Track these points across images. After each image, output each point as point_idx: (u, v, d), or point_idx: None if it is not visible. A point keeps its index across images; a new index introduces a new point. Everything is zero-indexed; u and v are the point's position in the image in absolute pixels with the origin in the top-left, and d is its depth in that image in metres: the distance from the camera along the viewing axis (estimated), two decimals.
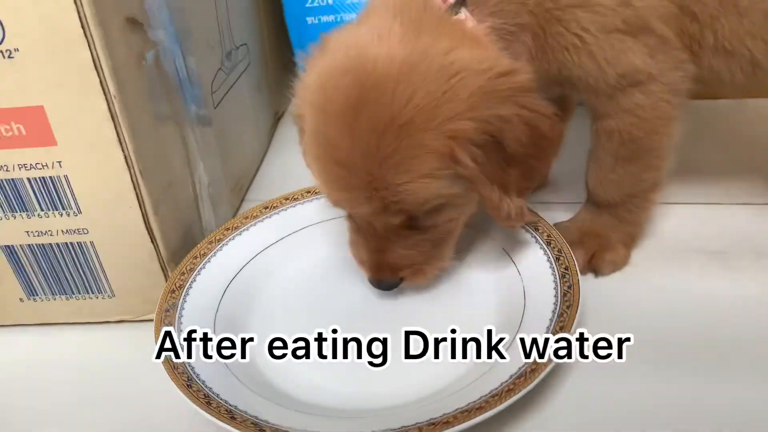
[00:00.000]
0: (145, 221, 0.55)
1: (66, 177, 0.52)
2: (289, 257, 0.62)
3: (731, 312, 0.55)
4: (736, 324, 0.54)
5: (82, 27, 0.46)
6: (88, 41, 0.47)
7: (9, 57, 0.47)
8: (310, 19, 0.83)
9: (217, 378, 0.48)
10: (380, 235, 0.52)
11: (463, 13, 0.51)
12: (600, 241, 0.60)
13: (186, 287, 0.57)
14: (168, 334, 0.52)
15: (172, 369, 0.48)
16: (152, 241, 0.56)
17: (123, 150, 0.52)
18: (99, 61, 0.48)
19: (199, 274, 0.58)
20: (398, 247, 0.53)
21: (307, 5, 0.83)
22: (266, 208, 0.65)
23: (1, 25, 0.46)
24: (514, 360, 0.47)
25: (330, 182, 0.50)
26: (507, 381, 0.45)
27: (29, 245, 0.56)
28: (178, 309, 0.55)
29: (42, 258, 0.57)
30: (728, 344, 0.52)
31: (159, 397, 0.52)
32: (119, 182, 0.53)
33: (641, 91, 0.52)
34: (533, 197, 0.71)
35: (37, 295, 0.59)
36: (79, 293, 0.59)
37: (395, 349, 0.53)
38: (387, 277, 0.55)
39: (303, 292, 0.60)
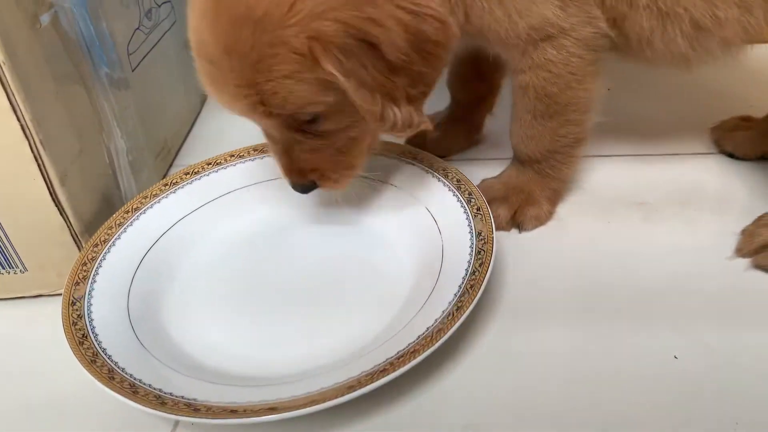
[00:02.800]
0: (51, 193, 0.53)
1: None
2: (211, 225, 0.61)
3: (650, 263, 0.55)
4: (655, 275, 0.54)
5: None
6: None
7: None
8: None
9: (126, 352, 0.47)
10: (283, 140, 0.51)
11: None
12: (524, 196, 0.59)
13: (99, 259, 0.55)
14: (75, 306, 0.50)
15: (77, 344, 0.47)
16: (61, 213, 0.54)
17: (19, 119, 0.49)
18: None
19: (113, 245, 0.57)
20: (299, 152, 0.51)
21: None
22: (187, 173, 0.63)
23: None
24: (427, 317, 0.46)
25: (203, 80, 0.48)
26: (432, 326, 0.45)
27: None
28: (89, 282, 0.53)
29: None
30: (645, 294, 0.53)
31: (73, 372, 0.52)
32: (18, 153, 0.51)
33: (552, 45, 0.51)
34: (468, 153, 0.71)
35: None
36: None
37: (315, 313, 0.53)
38: (297, 180, 0.53)
39: (224, 260, 0.59)
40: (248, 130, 0.66)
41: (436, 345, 0.43)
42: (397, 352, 0.44)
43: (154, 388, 0.43)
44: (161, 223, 0.60)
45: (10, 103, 0.49)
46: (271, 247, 0.59)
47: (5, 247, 0.56)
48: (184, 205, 0.61)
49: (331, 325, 0.51)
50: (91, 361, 0.45)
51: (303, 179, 0.53)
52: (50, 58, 0.53)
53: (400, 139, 0.61)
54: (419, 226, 0.57)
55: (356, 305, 0.53)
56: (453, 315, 0.45)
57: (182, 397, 0.43)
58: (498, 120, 0.70)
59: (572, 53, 0.51)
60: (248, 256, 0.59)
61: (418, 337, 0.44)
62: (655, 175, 0.64)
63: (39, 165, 0.52)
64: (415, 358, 0.42)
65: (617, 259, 0.56)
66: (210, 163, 0.65)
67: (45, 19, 0.52)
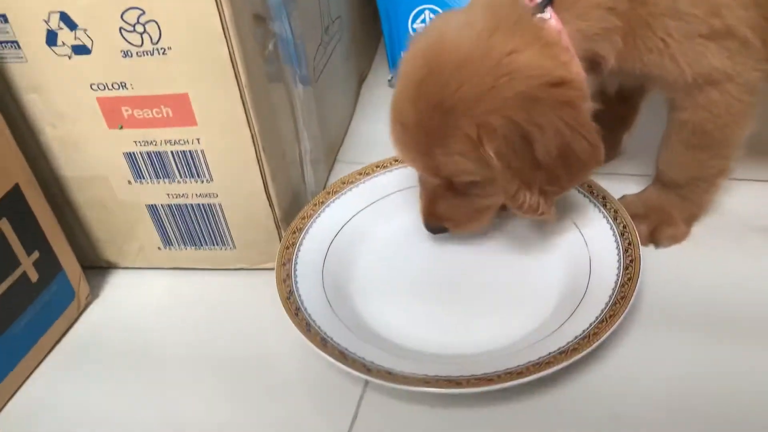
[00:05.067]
0: (265, 188, 0.65)
1: (202, 151, 0.62)
2: (381, 219, 0.71)
3: None
4: None
5: (222, 26, 0.55)
6: (226, 38, 0.55)
7: (163, 54, 0.56)
8: None
9: (329, 324, 0.59)
10: (433, 189, 0.62)
11: (548, 13, 0.56)
12: (663, 216, 0.66)
13: (297, 244, 0.67)
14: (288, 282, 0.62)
15: (294, 314, 0.59)
16: (270, 205, 0.66)
17: (250, 130, 0.61)
18: (234, 55, 0.57)
19: (306, 233, 0.68)
20: (444, 204, 0.63)
21: None
22: (360, 174, 0.74)
23: (159, 27, 0.55)
24: (579, 323, 0.55)
25: (394, 139, 0.59)
26: (587, 329, 0.54)
27: (168, 205, 0.67)
28: (293, 263, 0.65)
29: (178, 216, 0.68)
30: None
31: (271, 333, 0.64)
32: (246, 156, 0.62)
33: (717, 89, 0.56)
34: (605, 168, 0.77)
35: (172, 245, 0.71)
36: (206, 245, 0.70)
37: (476, 305, 0.63)
38: (432, 222, 0.65)
39: (393, 250, 0.69)
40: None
41: (595, 345, 0.52)
42: (558, 348, 0.53)
43: (359, 357, 0.55)
44: (341, 217, 0.71)
45: (246, 117, 0.60)
46: (434, 245, 0.69)
47: (222, 228, 0.68)
48: (359, 202, 0.72)
49: (489, 319, 0.61)
50: (307, 329, 0.57)
51: (437, 223, 0.65)
52: (271, 79, 0.64)
53: None
54: (567, 240, 0.65)
55: (507, 306, 0.62)
56: (606, 321, 0.54)
57: (383, 365, 0.54)
58: (635, 136, 0.77)
59: (735, 97, 0.56)
60: (415, 251, 0.69)
61: (576, 337, 0.53)
62: None
63: (260, 166, 0.63)
64: (576, 354, 0.51)
65: (754, 283, 0.61)
66: (378, 166, 0.75)
67: (270, 46, 0.63)
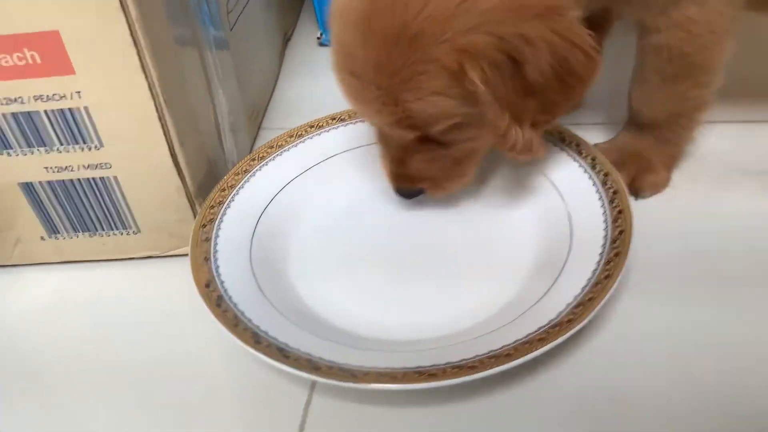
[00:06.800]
0: (171, 153, 0.52)
1: (86, 108, 0.49)
2: (319, 188, 0.60)
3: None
4: None
5: None
6: None
7: None
8: None
9: (262, 314, 0.47)
10: (400, 146, 0.52)
11: None
12: (642, 162, 0.58)
13: (217, 221, 0.54)
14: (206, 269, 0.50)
15: (216, 305, 0.47)
16: (179, 174, 0.54)
17: (147, 77, 0.48)
18: None
19: (228, 207, 0.56)
20: (417, 161, 0.52)
21: None
22: (291, 136, 0.62)
23: None
24: (568, 288, 0.46)
25: (346, 92, 0.49)
26: (565, 310, 0.44)
27: (48, 182, 0.53)
28: (212, 244, 0.52)
29: (63, 195, 0.54)
30: None
31: (190, 333, 0.52)
32: (143, 112, 0.50)
33: (695, 2, 0.49)
34: (567, 119, 0.69)
35: (59, 233, 0.57)
36: (103, 230, 0.57)
37: (441, 278, 0.52)
38: (406, 187, 0.54)
39: (335, 222, 0.58)
40: (324, 97, 0.66)
41: (593, 313, 0.43)
42: (549, 322, 0.43)
43: (303, 353, 0.43)
44: (271, 185, 0.59)
45: (140, 60, 0.47)
46: (386, 211, 0.58)
47: (121, 207, 0.55)
48: (291, 168, 0.60)
49: (454, 293, 0.51)
50: (233, 324, 0.45)
51: (412, 186, 0.54)
52: (172, 20, 0.51)
53: None
54: (539, 196, 0.56)
55: (477, 275, 0.52)
56: (601, 282, 0.45)
57: (334, 361, 0.42)
58: (599, 83, 0.69)
59: (715, 9, 0.49)
60: (363, 220, 0.58)
61: (568, 305, 0.44)
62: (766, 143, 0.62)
63: (162, 124, 0.51)
64: (572, 327, 0.42)
65: (740, 228, 0.55)
66: (313, 126, 0.63)
67: None
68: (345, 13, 0.46)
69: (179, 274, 0.53)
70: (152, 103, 0.49)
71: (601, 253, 0.47)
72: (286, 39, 0.88)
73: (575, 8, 0.45)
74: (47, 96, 0.48)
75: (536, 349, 0.41)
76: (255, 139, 0.72)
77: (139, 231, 0.57)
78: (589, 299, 0.44)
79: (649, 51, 0.53)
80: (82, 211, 0.55)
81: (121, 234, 0.57)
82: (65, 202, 0.55)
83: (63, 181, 0.53)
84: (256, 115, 0.74)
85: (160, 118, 0.50)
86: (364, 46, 0.45)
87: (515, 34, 0.42)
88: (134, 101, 0.49)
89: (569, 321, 0.42)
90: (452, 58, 0.43)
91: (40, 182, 0.53)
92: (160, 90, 0.49)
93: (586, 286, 0.45)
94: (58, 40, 0.46)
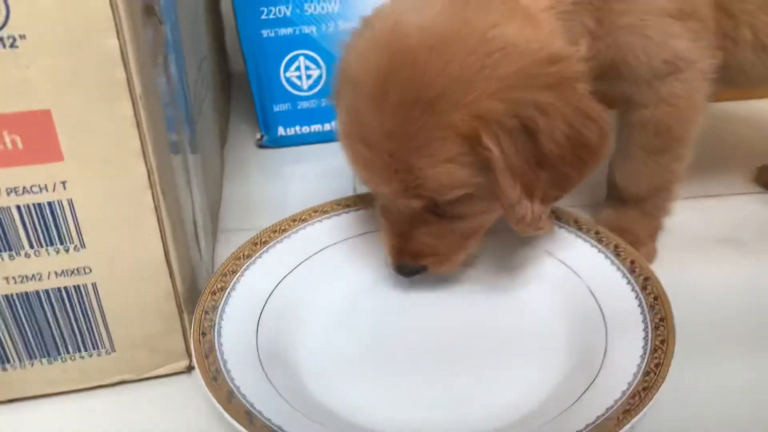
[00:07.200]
0: (165, 251, 0.45)
1: (70, 201, 0.42)
2: (319, 279, 0.55)
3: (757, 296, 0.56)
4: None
5: (111, 8, 0.38)
6: (116, 24, 0.38)
7: (11, 46, 0.37)
8: (265, 32, 0.77)
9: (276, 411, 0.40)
10: (405, 219, 0.50)
11: None
12: (630, 237, 0.59)
13: (215, 327, 0.47)
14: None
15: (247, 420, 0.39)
16: (170, 276, 0.47)
17: (146, 164, 0.42)
18: (126, 53, 0.39)
19: (224, 311, 0.49)
20: (422, 234, 0.50)
21: (263, 17, 0.76)
22: (275, 231, 0.57)
23: (6, 4, 0.36)
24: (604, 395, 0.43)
25: (354, 160, 0.47)
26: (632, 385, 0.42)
27: (6, 296, 0.44)
28: (218, 352, 0.45)
29: (22, 312, 0.45)
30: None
31: None
32: (138, 203, 0.43)
33: (679, 78, 0.52)
34: None
35: (9, 362, 0.46)
36: (68, 352, 0.47)
37: (455, 376, 0.48)
38: (408, 263, 0.52)
39: (339, 315, 0.53)
40: (273, 197, 0.71)
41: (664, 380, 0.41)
42: (623, 394, 0.41)
43: None
44: (263, 284, 0.53)
45: (141, 145, 0.42)
46: (394, 302, 0.54)
47: (95, 321, 0.46)
48: (282, 265, 0.55)
49: (476, 390, 0.47)
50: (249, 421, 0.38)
51: (415, 263, 0.52)
52: (164, 99, 0.47)
53: None
54: (545, 271, 0.55)
55: (502, 362, 0.49)
56: (660, 351, 0.43)
57: None
58: None
59: (695, 87, 0.53)
60: (370, 314, 0.54)
61: (616, 401, 0.41)
62: (729, 213, 0.67)
63: (158, 217, 0.44)
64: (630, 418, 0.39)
65: (726, 293, 0.57)
66: (296, 220, 0.59)
67: (159, 57, 0.46)
68: (359, 77, 0.45)
69: (161, 402, 0.46)
70: (149, 193, 0.43)
71: (644, 321, 0.46)
72: (223, 140, 0.84)
73: (585, 81, 0.47)
74: (24, 188, 0.41)
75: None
76: (216, 238, 0.66)
77: (113, 350, 0.48)
78: (656, 365, 0.42)
79: (635, 126, 0.56)
80: (45, 330, 0.46)
81: (90, 356, 0.48)
82: (23, 322, 0.45)
83: (26, 293, 0.44)
84: (215, 217, 0.68)
85: (156, 209, 0.44)
86: (377, 112, 0.44)
87: (531, 103, 0.43)
88: (129, 190, 0.43)
89: (626, 411, 0.40)
90: (468, 124, 0.42)
91: None
92: (158, 178, 0.43)
93: (644, 354, 0.43)
94: (48, 121, 0.39)
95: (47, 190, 0.41)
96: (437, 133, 0.43)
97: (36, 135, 0.39)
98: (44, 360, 0.47)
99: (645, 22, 0.49)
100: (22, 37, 0.37)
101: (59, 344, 0.47)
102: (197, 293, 0.51)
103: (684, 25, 0.51)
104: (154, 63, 0.44)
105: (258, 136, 0.82)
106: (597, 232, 0.56)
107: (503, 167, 0.43)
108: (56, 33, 0.37)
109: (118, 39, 0.38)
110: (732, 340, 0.52)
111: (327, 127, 0.81)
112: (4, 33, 0.36)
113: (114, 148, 0.41)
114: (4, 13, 0.36)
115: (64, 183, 0.41)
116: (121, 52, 0.39)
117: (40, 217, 0.42)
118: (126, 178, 0.42)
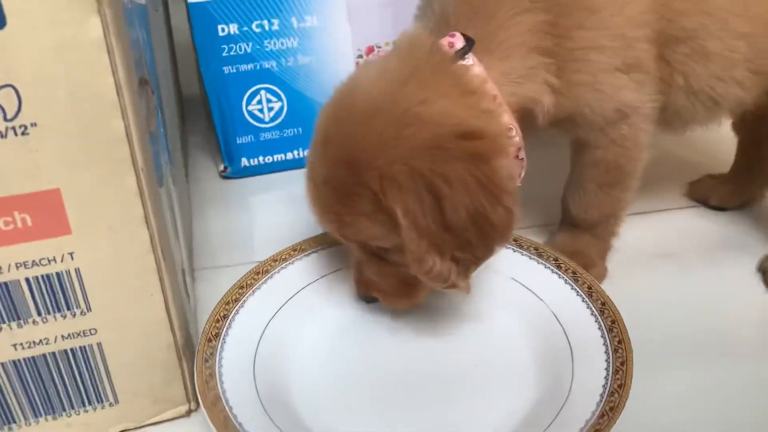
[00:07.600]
0: (166, 307, 0.48)
1: (77, 270, 0.44)
2: (308, 316, 0.59)
3: (713, 305, 0.63)
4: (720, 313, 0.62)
5: (117, 93, 0.40)
6: (121, 107, 0.40)
7: (23, 134, 0.39)
8: (227, 69, 0.79)
9: None
10: (358, 255, 0.56)
11: (470, 59, 0.53)
12: (583, 259, 0.65)
13: (216, 372, 0.50)
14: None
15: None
16: (171, 329, 0.49)
17: (149, 229, 0.45)
18: (130, 131, 0.41)
19: (222, 357, 0.52)
20: (368, 271, 0.56)
21: (224, 54, 0.78)
22: (258, 273, 0.60)
23: (18, 94, 0.37)
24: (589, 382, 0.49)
25: (309, 197, 0.53)
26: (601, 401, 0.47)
27: (14, 362, 0.46)
28: (221, 393, 0.48)
29: (29, 375, 0.46)
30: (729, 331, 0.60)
31: None
32: (142, 266, 0.46)
33: (626, 123, 0.58)
34: None
35: (15, 422, 0.48)
36: (72, 408, 0.49)
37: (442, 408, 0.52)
38: (362, 292, 0.58)
39: (328, 353, 0.57)
40: (242, 231, 0.75)
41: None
42: (594, 411, 0.46)
43: None
44: (254, 325, 0.56)
45: (144, 213, 0.44)
46: (378, 337, 0.58)
47: (100, 377, 0.49)
48: (269, 305, 0.58)
49: (452, 419, 0.51)
50: None
51: (368, 293, 0.58)
52: (156, 162, 0.49)
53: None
54: (523, 306, 0.59)
55: (476, 397, 0.53)
56: (621, 371, 0.49)
57: None
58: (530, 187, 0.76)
59: (640, 128, 0.59)
60: (357, 349, 0.58)
61: (587, 422, 0.46)
62: (664, 228, 0.74)
63: (160, 278, 0.47)
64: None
65: (667, 304, 0.63)
66: (276, 260, 0.62)
67: (151, 123, 0.48)
68: (317, 129, 0.52)
69: None
70: (152, 256, 0.46)
71: (605, 344, 0.52)
72: (187, 176, 0.85)
73: (506, 157, 0.50)
74: (32, 262, 0.42)
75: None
76: (194, 281, 0.68)
77: (116, 402, 0.50)
78: (618, 386, 0.48)
79: (587, 164, 0.61)
80: (50, 390, 0.48)
81: (94, 410, 0.50)
82: (30, 384, 0.47)
83: (33, 358, 0.46)
84: (190, 255, 0.70)
85: (159, 270, 0.46)
86: (320, 162, 0.52)
87: (432, 171, 0.47)
88: (135, 255, 0.45)
89: (611, 409, 0.46)
90: (378, 183, 0.48)
91: (2, 364, 0.45)
92: (159, 241, 0.46)
93: (607, 375, 0.49)
94: (57, 199, 0.41)
95: (55, 262, 0.43)
96: (355, 189, 0.49)
97: (45, 212, 0.41)
98: (49, 417, 0.49)
99: (597, 78, 0.55)
100: (33, 125, 0.39)
101: (64, 401, 0.49)
102: (189, 337, 0.53)
103: (630, 77, 0.56)
104: (149, 130, 0.47)
105: (221, 167, 0.84)
106: (556, 259, 0.61)
107: (406, 224, 0.47)
108: (66, 119, 0.39)
109: (123, 120, 0.41)
110: (677, 350, 0.58)
111: (290, 155, 0.84)
112: (16, 123, 0.38)
113: (119, 217, 0.43)
114: (16, 104, 0.38)
115: (71, 254, 0.43)
116: (126, 131, 0.41)
117: (48, 287, 0.44)
118: (131, 244, 0.44)
